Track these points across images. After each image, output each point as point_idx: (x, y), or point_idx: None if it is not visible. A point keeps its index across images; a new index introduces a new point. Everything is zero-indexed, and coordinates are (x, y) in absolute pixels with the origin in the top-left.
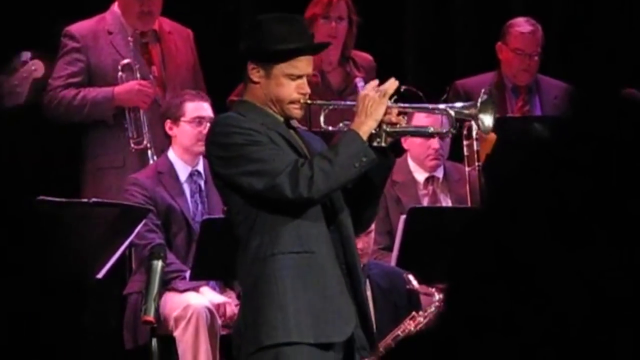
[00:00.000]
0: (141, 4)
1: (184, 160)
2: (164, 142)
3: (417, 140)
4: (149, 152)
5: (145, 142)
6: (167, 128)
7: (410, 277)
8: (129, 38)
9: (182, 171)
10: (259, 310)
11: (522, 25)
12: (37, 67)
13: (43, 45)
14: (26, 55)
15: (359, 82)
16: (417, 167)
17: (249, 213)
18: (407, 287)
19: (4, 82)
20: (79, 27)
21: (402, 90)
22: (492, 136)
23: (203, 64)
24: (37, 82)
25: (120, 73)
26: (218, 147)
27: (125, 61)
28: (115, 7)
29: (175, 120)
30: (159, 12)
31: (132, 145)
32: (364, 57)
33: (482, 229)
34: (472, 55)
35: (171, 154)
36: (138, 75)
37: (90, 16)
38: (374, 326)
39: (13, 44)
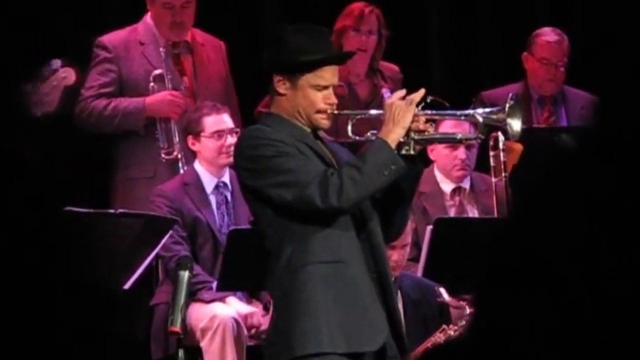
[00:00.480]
0: (173, 14)
1: (209, 171)
2: (193, 153)
3: (444, 150)
4: (180, 162)
5: (175, 152)
6: (189, 144)
7: (442, 290)
8: (161, 49)
9: (208, 182)
10: (291, 320)
11: (548, 34)
12: (67, 75)
13: (77, 55)
14: (56, 63)
15: (386, 93)
16: (444, 177)
17: (280, 224)
18: (438, 300)
19: (33, 90)
20: (111, 38)
21: (428, 100)
22: (519, 147)
23: (235, 75)
24: (69, 89)
25: (152, 84)
26: (246, 159)
27: (157, 71)
28: (147, 18)
29: (196, 135)
30: (191, 23)
31: (163, 155)
32: (391, 68)
33: (510, 239)
34: (497, 65)
35: (197, 166)
36: (170, 85)
37: (123, 27)
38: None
39: (45, 54)
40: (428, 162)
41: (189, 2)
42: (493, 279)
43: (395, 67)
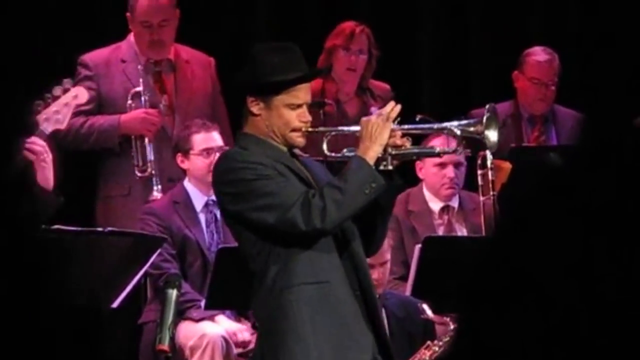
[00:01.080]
0: (151, 33)
1: (199, 189)
2: (170, 170)
3: (432, 169)
4: (154, 180)
5: (149, 169)
6: (178, 161)
7: (425, 306)
8: (139, 66)
9: (198, 201)
10: (279, 343)
11: (538, 54)
12: (78, 94)
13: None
14: (68, 82)
15: (375, 111)
16: (433, 196)
17: (262, 247)
18: (422, 316)
19: (41, 108)
20: (92, 56)
21: (417, 118)
22: (507, 165)
23: (227, 92)
24: (81, 108)
25: (129, 101)
26: (225, 184)
27: (136, 89)
28: (131, 36)
29: (185, 153)
30: (171, 41)
31: (137, 172)
32: (382, 86)
33: (495, 255)
34: (488, 83)
35: (187, 184)
36: (146, 103)
37: (110, 44)
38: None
39: (51, 74)
40: (417, 181)
41: (167, 21)
42: (477, 295)
43: (386, 86)
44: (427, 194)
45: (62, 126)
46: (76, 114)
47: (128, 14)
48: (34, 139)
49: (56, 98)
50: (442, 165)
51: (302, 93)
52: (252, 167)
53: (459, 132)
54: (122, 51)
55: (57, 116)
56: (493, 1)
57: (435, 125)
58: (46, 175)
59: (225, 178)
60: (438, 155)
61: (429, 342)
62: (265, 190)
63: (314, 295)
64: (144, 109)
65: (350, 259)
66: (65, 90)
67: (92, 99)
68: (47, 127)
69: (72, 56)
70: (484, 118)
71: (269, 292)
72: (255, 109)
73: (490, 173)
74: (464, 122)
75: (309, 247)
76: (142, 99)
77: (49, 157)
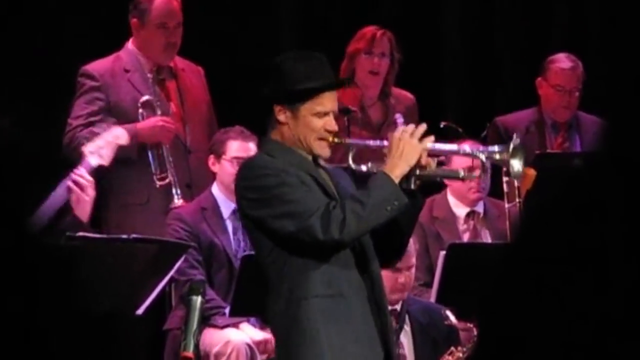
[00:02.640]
0: (167, 35)
1: (227, 196)
2: (186, 177)
3: None
4: (174, 187)
5: (169, 177)
6: (210, 163)
7: (449, 313)
8: (149, 75)
9: (225, 207)
10: (293, 352)
11: (562, 61)
12: (120, 135)
13: (63, 84)
14: (111, 119)
15: (399, 119)
16: (458, 202)
17: (279, 256)
18: (446, 322)
19: (86, 141)
20: (96, 66)
21: (441, 126)
22: (532, 172)
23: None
24: (91, 118)
25: (140, 110)
26: (248, 189)
27: (145, 98)
28: (129, 44)
29: (218, 157)
30: (179, 44)
31: (156, 181)
32: (406, 96)
33: (517, 260)
34: (511, 90)
35: (215, 190)
36: (159, 111)
37: (102, 56)
38: None
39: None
40: (442, 187)
41: (180, 24)
42: (499, 299)
43: (411, 96)
44: (452, 200)
45: (106, 163)
46: (87, 124)
47: (134, 20)
48: (82, 171)
49: (97, 134)
50: (470, 169)
51: (329, 101)
52: (275, 174)
53: (484, 158)
54: (124, 60)
55: (101, 151)
56: (517, 6)
57: (462, 149)
58: (85, 208)
59: (248, 183)
60: (462, 179)
61: (452, 349)
62: (287, 198)
63: (328, 307)
64: (159, 117)
65: (368, 275)
66: (108, 128)
67: (102, 110)
68: (93, 161)
69: (71, 66)
70: (510, 147)
71: (285, 302)
72: (282, 117)
73: (515, 180)
74: (490, 148)
75: (326, 259)
76: (155, 107)
77: (92, 192)
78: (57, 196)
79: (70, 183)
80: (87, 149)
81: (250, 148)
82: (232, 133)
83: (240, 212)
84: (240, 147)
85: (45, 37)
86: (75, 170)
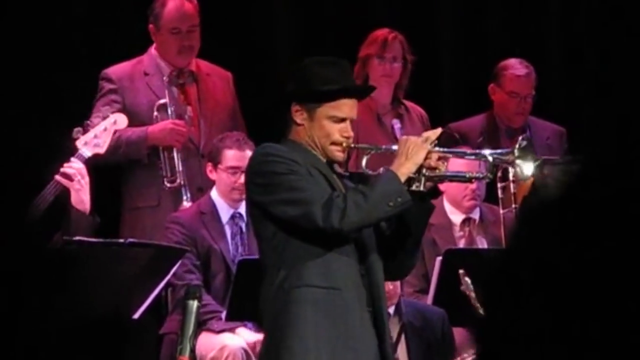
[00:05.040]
0: (181, 38)
1: (225, 201)
2: (198, 180)
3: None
4: (183, 190)
5: (179, 180)
6: (207, 170)
7: (467, 279)
8: (164, 77)
9: (224, 212)
10: (280, 340)
11: (516, 68)
12: (118, 120)
13: (88, 88)
14: (106, 110)
15: (396, 124)
16: (454, 209)
17: (279, 243)
18: (461, 288)
19: (80, 134)
20: (115, 70)
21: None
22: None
23: (242, 107)
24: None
25: (155, 113)
26: (257, 174)
27: (161, 101)
28: (152, 49)
29: (215, 165)
30: (198, 46)
31: (166, 184)
32: (418, 110)
33: (512, 265)
34: (460, 96)
35: (214, 194)
36: (172, 115)
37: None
38: None
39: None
40: (437, 194)
41: (195, 26)
42: (494, 304)
43: (422, 111)
44: (448, 207)
45: (102, 150)
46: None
47: (151, 26)
48: (71, 162)
49: (94, 125)
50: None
51: (347, 107)
52: (285, 162)
53: (491, 159)
54: (145, 64)
55: (96, 140)
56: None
57: (470, 151)
58: (81, 198)
59: (257, 168)
60: (469, 180)
61: (459, 358)
62: (293, 185)
63: (321, 299)
64: (171, 120)
65: (368, 275)
66: (104, 118)
67: (118, 112)
68: (86, 152)
69: (94, 71)
70: (517, 148)
71: (278, 290)
72: (299, 118)
73: (511, 186)
74: (498, 150)
75: (325, 250)
76: (169, 110)
77: (84, 179)
78: (46, 191)
79: (57, 176)
80: (80, 141)
81: (246, 156)
82: (228, 141)
83: (246, 197)
84: (235, 157)
85: (82, 43)
86: (65, 164)
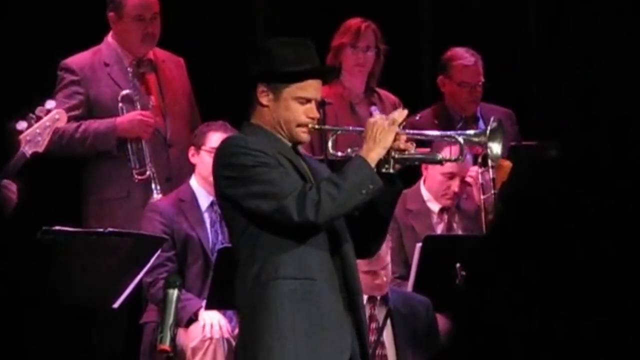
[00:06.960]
0: (144, 26)
1: (205, 188)
2: (166, 171)
3: (439, 177)
4: (153, 183)
5: (148, 172)
6: (190, 155)
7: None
8: (128, 68)
9: (204, 200)
10: (257, 334)
11: (464, 57)
12: (60, 117)
13: (42, 79)
14: (50, 104)
15: (375, 111)
16: (432, 197)
17: (251, 236)
18: (457, 282)
19: (25, 129)
20: (76, 60)
21: (417, 118)
22: (508, 164)
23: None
24: (71, 113)
25: (120, 104)
26: (226, 167)
27: (125, 92)
28: (109, 38)
29: (198, 148)
30: (159, 34)
31: (135, 176)
32: (389, 97)
33: (492, 252)
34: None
35: (193, 182)
36: (138, 105)
37: (82, 49)
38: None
39: (29, 88)
40: (417, 177)
41: (157, 13)
42: (475, 289)
43: (394, 98)
44: (426, 194)
45: (41, 149)
46: (67, 119)
47: (111, 14)
48: (5, 182)
49: (39, 118)
50: (450, 176)
51: (313, 89)
52: (253, 154)
53: (462, 141)
54: (104, 54)
55: (37, 138)
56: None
57: (440, 133)
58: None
59: (226, 161)
60: (440, 162)
61: None
62: (264, 178)
63: (296, 290)
64: (138, 111)
65: (340, 260)
66: (48, 111)
67: (81, 104)
68: (28, 150)
69: (50, 61)
70: (489, 129)
71: (253, 284)
72: (264, 99)
73: (490, 171)
74: (468, 132)
75: (299, 241)
76: (135, 101)
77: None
78: None
79: (7, 193)
80: (25, 137)
81: None
82: (214, 126)
83: (216, 191)
84: (220, 139)
85: (26, 33)
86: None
